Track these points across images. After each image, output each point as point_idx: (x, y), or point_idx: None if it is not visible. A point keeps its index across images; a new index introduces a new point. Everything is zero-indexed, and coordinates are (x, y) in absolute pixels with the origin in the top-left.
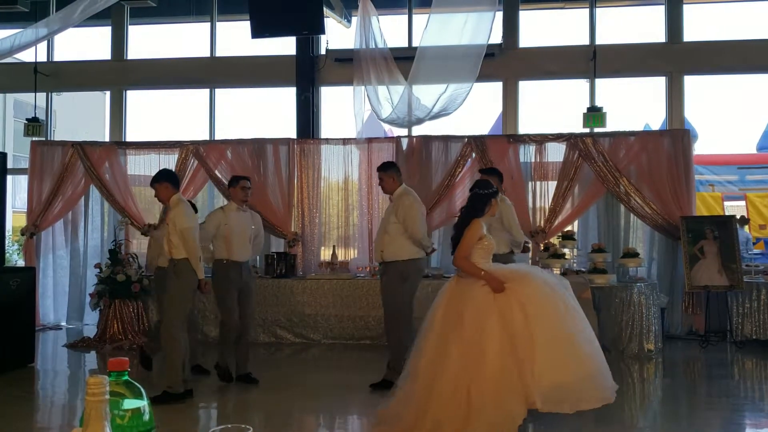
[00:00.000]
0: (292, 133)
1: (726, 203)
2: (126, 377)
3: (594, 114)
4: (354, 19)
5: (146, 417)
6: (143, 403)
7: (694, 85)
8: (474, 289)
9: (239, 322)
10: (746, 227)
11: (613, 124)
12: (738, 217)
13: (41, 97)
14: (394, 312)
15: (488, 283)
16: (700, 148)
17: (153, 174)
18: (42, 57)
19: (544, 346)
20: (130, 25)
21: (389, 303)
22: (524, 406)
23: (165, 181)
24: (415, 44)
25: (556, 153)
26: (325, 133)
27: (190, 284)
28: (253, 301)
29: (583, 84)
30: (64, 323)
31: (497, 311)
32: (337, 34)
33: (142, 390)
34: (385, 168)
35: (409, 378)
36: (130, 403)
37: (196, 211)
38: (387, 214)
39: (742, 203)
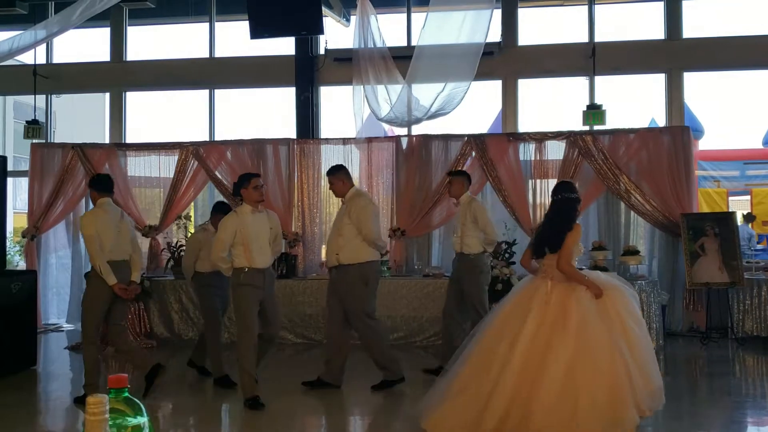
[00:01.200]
0: (291, 133)
1: (731, 198)
2: (126, 394)
3: (594, 111)
4: (353, 18)
5: None
6: (143, 420)
7: (698, 81)
8: (577, 294)
9: (267, 333)
10: (750, 224)
11: (613, 122)
12: (745, 213)
13: (41, 98)
14: (363, 315)
15: (590, 289)
16: (705, 144)
17: (153, 175)
18: (41, 59)
19: (640, 354)
20: (129, 26)
21: (355, 307)
22: (636, 414)
23: (90, 186)
24: (414, 43)
25: (556, 151)
26: (324, 133)
27: (99, 292)
28: (279, 308)
29: (582, 82)
30: (65, 324)
31: (601, 318)
32: (336, 34)
33: (142, 406)
34: (334, 171)
35: (474, 380)
36: (133, 420)
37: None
38: (339, 216)
39: (747, 198)
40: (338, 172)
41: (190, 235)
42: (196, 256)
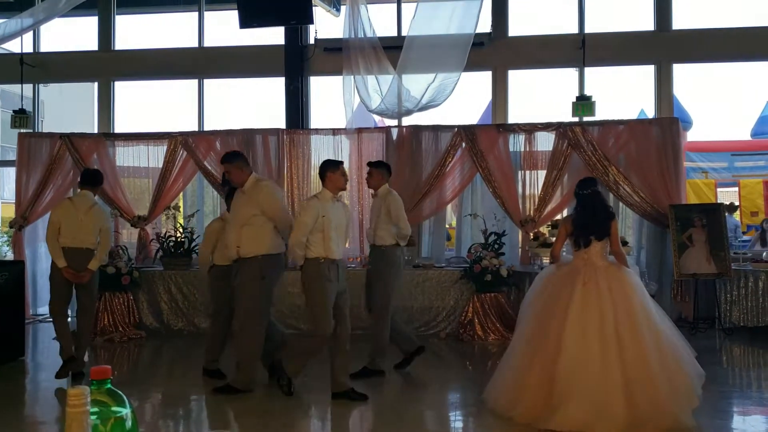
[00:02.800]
0: (281, 123)
1: (719, 190)
2: (109, 385)
3: (583, 103)
4: (343, 8)
5: (129, 424)
6: (126, 411)
7: (687, 72)
8: (630, 276)
9: (339, 331)
10: (735, 214)
11: (602, 113)
12: (727, 204)
13: (28, 87)
14: (250, 314)
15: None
16: (693, 135)
17: (142, 165)
18: (28, 48)
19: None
20: (117, 14)
21: (244, 304)
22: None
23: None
24: (404, 33)
25: (545, 142)
26: (314, 123)
27: (53, 272)
28: (348, 304)
29: (572, 73)
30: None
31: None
32: (326, 24)
33: (125, 398)
34: (231, 158)
35: (540, 364)
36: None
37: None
38: (238, 206)
39: (735, 190)
40: (236, 160)
41: (207, 224)
42: (214, 246)
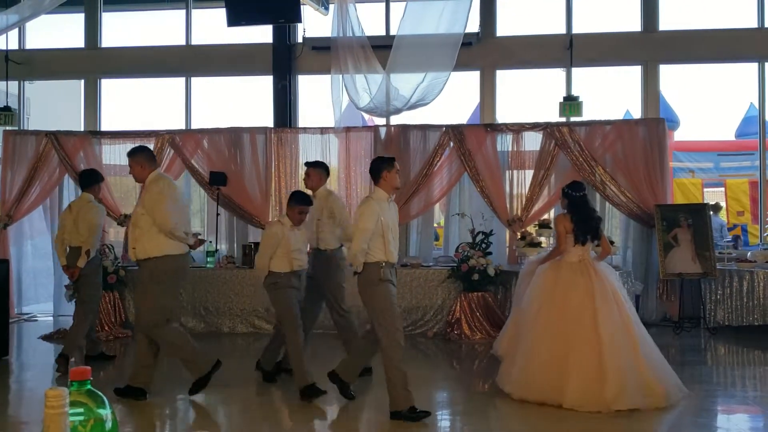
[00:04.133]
0: (269, 122)
1: (706, 189)
2: (89, 386)
3: (570, 103)
4: (331, 7)
5: (109, 425)
6: (107, 412)
7: (674, 72)
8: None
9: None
10: (721, 214)
11: (589, 113)
12: (712, 203)
13: (13, 84)
14: (150, 318)
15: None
16: (680, 135)
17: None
18: (14, 45)
19: None
20: (103, 12)
21: (142, 306)
22: None
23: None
24: (392, 32)
25: (532, 142)
26: (302, 122)
27: None
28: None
29: (559, 73)
30: (41, 313)
31: None
32: (315, 22)
33: (105, 399)
34: (132, 153)
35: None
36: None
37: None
38: (136, 205)
39: (722, 189)
40: (137, 155)
41: (265, 229)
42: (273, 253)
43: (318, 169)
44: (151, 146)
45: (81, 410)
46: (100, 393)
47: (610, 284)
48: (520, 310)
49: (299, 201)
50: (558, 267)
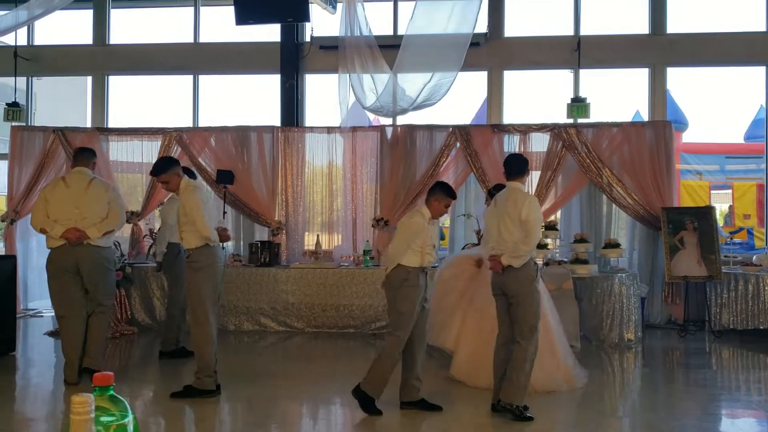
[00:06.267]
0: (276, 120)
1: (712, 192)
2: (111, 392)
3: (578, 105)
4: (339, 6)
5: (130, 429)
6: (129, 418)
7: (683, 74)
8: None
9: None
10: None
11: (597, 115)
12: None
13: (21, 80)
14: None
15: None
16: (689, 137)
17: (136, 161)
18: (22, 41)
19: None
20: (112, 9)
21: None
22: None
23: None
24: (400, 32)
25: (540, 143)
26: (309, 121)
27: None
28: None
29: (567, 74)
30: (47, 309)
31: None
32: (322, 21)
33: (127, 404)
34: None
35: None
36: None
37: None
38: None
39: (729, 192)
40: (81, 155)
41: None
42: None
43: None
44: (159, 143)
45: (112, 418)
46: (122, 398)
47: None
48: (467, 302)
49: (449, 193)
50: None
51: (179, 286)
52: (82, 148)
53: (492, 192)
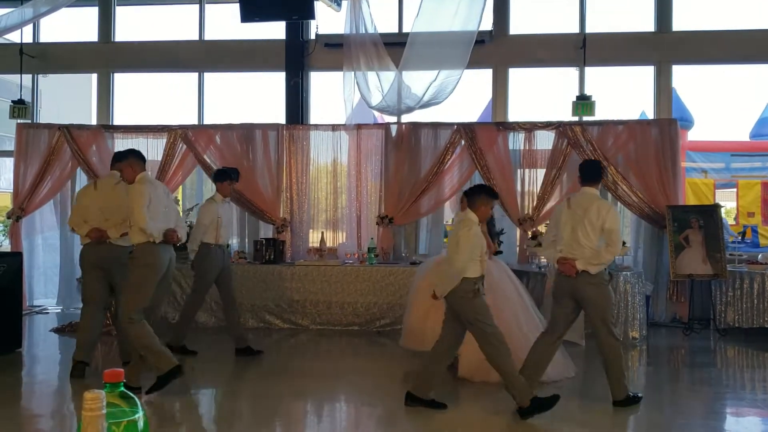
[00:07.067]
0: (281, 118)
1: (718, 190)
2: (122, 388)
3: (583, 102)
4: (344, 4)
5: (141, 426)
6: (139, 414)
7: (689, 71)
8: None
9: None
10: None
11: (602, 113)
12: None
13: (26, 77)
14: None
15: None
16: (694, 135)
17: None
18: (28, 38)
19: None
20: (117, 6)
21: None
22: None
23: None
24: (405, 30)
25: (545, 141)
26: (314, 118)
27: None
28: None
29: (572, 72)
30: (51, 307)
31: None
32: (327, 19)
33: (138, 400)
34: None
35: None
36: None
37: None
38: None
39: (734, 190)
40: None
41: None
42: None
43: (125, 161)
44: (164, 141)
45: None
46: (132, 395)
47: None
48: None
49: (494, 195)
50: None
51: (202, 285)
52: (118, 152)
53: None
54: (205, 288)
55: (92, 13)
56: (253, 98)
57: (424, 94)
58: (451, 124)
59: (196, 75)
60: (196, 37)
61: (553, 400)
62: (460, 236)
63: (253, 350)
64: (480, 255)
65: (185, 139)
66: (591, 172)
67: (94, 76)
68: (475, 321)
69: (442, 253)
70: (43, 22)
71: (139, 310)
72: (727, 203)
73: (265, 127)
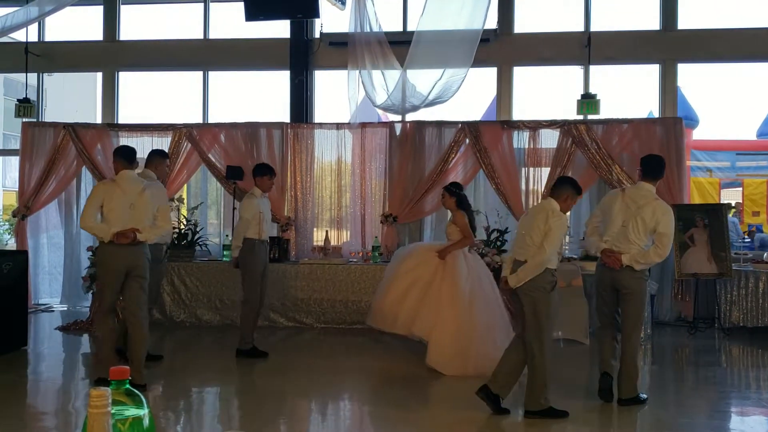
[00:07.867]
0: (285, 117)
1: (723, 189)
2: (127, 386)
3: (588, 101)
4: (349, 2)
5: (146, 423)
6: (144, 411)
7: (695, 70)
8: None
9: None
10: (732, 213)
11: (607, 112)
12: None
13: (32, 76)
14: None
15: None
16: (699, 134)
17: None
18: (33, 37)
19: None
20: (122, 4)
21: None
22: None
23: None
24: (410, 28)
25: (549, 139)
26: (318, 117)
27: None
28: None
29: (577, 71)
30: (56, 305)
31: None
32: (332, 18)
33: (143, 398)
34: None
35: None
36: (131, 412)
37: None
38: None
39: (739, 189)
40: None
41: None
42: None
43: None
44: (169, 140)
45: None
46: (138, 392)
47: None
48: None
49: (580, 190)
50: (464, 254)
51: (251, 283)
52: (123, 149)
53: (450, 189)
54: (255, 284)
55: (97, 12)
56: (257, 97)
57: (429, 93)
58: (455, 123)
59: (200, 74)
60: (201, 36)
61: (562, 415)
62: (551, 225)
63: (258, 351)
64: (561, 247)
65: (190, 137)
66: (653, 168)
67: (99, 75)
68: (539, 315)
69: (421, 243)
70: (48, 21)
71: (105, 308)
72: (732, 201)
73: (269, 126)
